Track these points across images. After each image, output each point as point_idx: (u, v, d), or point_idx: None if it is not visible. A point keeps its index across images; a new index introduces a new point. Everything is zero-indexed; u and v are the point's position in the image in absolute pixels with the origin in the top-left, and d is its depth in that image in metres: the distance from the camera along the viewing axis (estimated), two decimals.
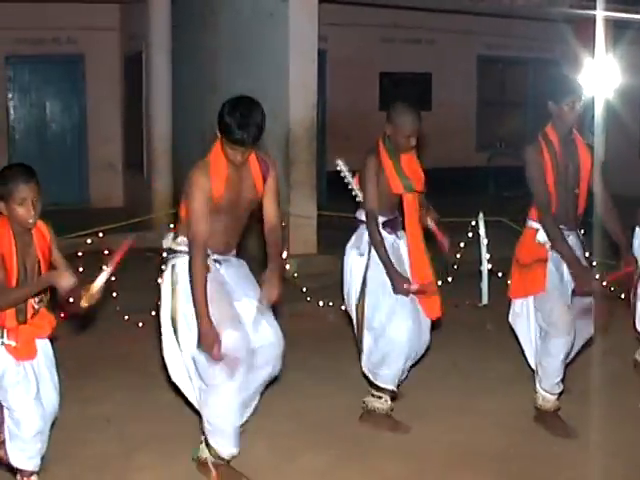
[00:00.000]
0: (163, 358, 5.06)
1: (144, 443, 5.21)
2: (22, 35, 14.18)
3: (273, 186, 4.97)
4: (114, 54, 14.77)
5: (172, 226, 5.37)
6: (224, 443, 4.73)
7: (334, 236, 10.22)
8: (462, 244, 8.46)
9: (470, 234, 8.54)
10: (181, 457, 4.97)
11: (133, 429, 5.42)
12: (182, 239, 4.80)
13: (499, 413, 5.71)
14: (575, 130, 5.44)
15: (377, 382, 5.50)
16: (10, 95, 14.72)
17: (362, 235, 5.54)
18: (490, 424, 5.52)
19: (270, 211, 5.01)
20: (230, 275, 4.91)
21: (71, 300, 4.41)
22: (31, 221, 4.20)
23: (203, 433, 4.80)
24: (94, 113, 14.97)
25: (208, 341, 4.48)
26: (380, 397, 5.51)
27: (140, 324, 7.47)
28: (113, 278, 7.31)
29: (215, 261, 4.86)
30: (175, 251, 4.83)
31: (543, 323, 5.43)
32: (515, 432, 5.42)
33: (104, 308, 7.79)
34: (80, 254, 7.93)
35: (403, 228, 5.61)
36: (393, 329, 5.37)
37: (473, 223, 8.56)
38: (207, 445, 4.77)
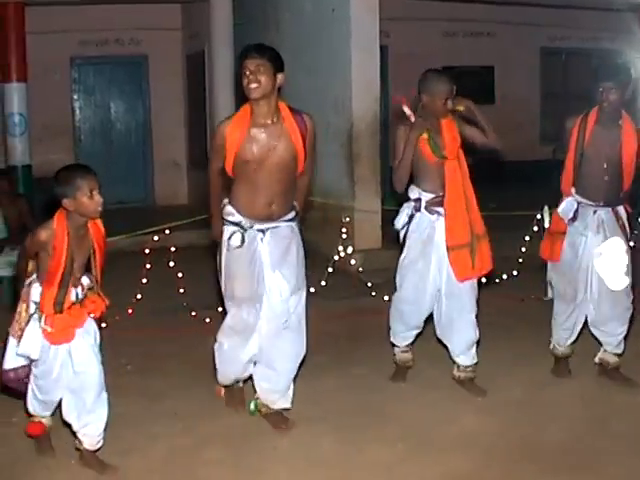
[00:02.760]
0: None
1: (211, 438, 5.24)
2: (86, 37, 14.37)
3: (310, 140, 5.11)
4: (177, 54, 14.89)
5: None
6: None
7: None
8: (527, 237, 8.41)
9: (535, 227, 8.46)
10: (249, 452, 5.01)
11: (200, 424, 5.46)
12: (228, 209, 5.14)
13: (564, 406, 5.67)
14: (626, 115, 5.70)
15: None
16: (75, 96, 14.91)
17: (402, 212, 5.81)
18: (555, 417, 5.48)
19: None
20: (269, 248, 5.13)
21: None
22: (100, 209, 4.44)
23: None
24: (158, 112, 15.09)
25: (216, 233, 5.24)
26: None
27: (207, 319, 7.52)
28: (180, 274, 7.48)
29: (259, 231, 5.09)
30: (225, 220, 5.17)
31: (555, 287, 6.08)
32: (580, 424, 5.37)
33: (171, 304, 7.91)
34: (147, 251, 8.03)
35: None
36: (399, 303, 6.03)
37: (538, 216, 8.47)
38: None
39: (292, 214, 5.23)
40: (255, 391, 5.46)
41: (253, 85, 4.82)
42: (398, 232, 5.93)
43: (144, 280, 7.81)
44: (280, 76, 4.90)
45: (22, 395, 4.84)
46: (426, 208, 5.68)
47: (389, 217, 10.01)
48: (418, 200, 5.71)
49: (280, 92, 5.02)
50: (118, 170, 14.71)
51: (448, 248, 5.64)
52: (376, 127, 9.94)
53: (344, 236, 8.98)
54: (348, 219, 9.31)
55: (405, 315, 6.00)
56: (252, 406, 5.49)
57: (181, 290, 7.82)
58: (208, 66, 13.21)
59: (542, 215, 8.39)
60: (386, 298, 8.20)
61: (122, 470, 4.74)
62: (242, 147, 4.92)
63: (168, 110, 14.99)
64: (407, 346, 6.16)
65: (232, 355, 5.37)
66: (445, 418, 5.49)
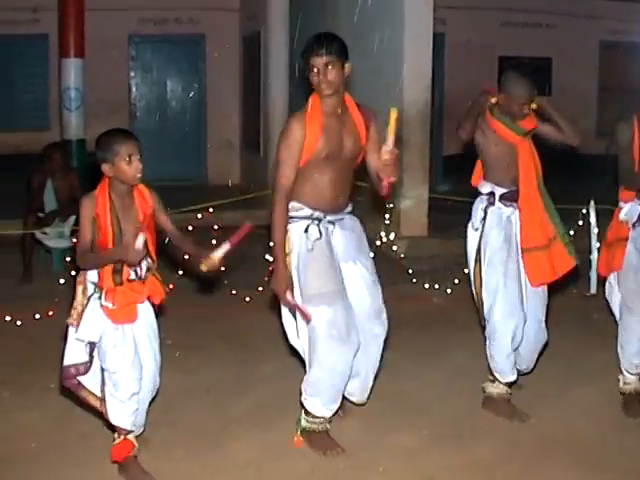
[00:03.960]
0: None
1: (241, 414, 5.31)
2: (145, 15, 14.56)
3: (375, 136, 4.92)
4: (234, 34, 14.98)
5: None
6: (318, 403, 4.83)
7: (447, 219, 10.27)
8: (572, 232, 8.34)
9: (580, 222, 8.41)
10: (276, 430, 5.05)
11: (231, 401, 5.53)
12: (294, 204, 4.82)
13: (594, 403, 5.63)
14: None
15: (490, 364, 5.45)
16: (132, 73, 15.10)
17: (477, 208, 5.44)
18: (584, 414, 5.45)
19: (375, 162, 4.92)
20: (342, 240, 4.91)
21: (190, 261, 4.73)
22: (139, 176, 4.35)
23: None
24: (213, 92, 15.21)
25: (280, 285, 4.70)
26: (493, 381, 5.46)
27: (247, 299, 7.59)
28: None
29: (329, 222, 4.88)
30: (293, 218, 4.84)
31: (621, 300, 5.44)
32: (607, 423, 5.34)
33: (212, 281, 7.97)
34: (190, 228, 8.10)
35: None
36: (497, 322, 5.31)
37: (584, 211, 8.43)
38: (302, 408, 4.89)
39: (351, 206, 5.06)
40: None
41: (324, 85, 4.67)
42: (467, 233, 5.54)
43: (186, 257, 7.88)
44: (347, 66, 4.75)
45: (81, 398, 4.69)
46: (500, 201, 5.36)
47: (436, 205, 10.08)
48: (491, 194, 5.38)
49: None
50: (172, 148, 14.87)
51: (522, 250, 5.34)
52: (427, 114, 9.92)
53: (387, 222, 8.99)
54: (392, 205, 9.31)
55: (509, 339, 5.33)
56: None
57: (222, 268, 7.88)
58: (264, 48, 13.26)
59: (588, 210, 8.37)
60: (427, 285, 8.25)
61: (145, 440, 4.78)
62: (319, 140, 4.73)
63: (223, 90, 15.10)
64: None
65: (335, 367, 4.78)
66: (473, 407, 5.49)
